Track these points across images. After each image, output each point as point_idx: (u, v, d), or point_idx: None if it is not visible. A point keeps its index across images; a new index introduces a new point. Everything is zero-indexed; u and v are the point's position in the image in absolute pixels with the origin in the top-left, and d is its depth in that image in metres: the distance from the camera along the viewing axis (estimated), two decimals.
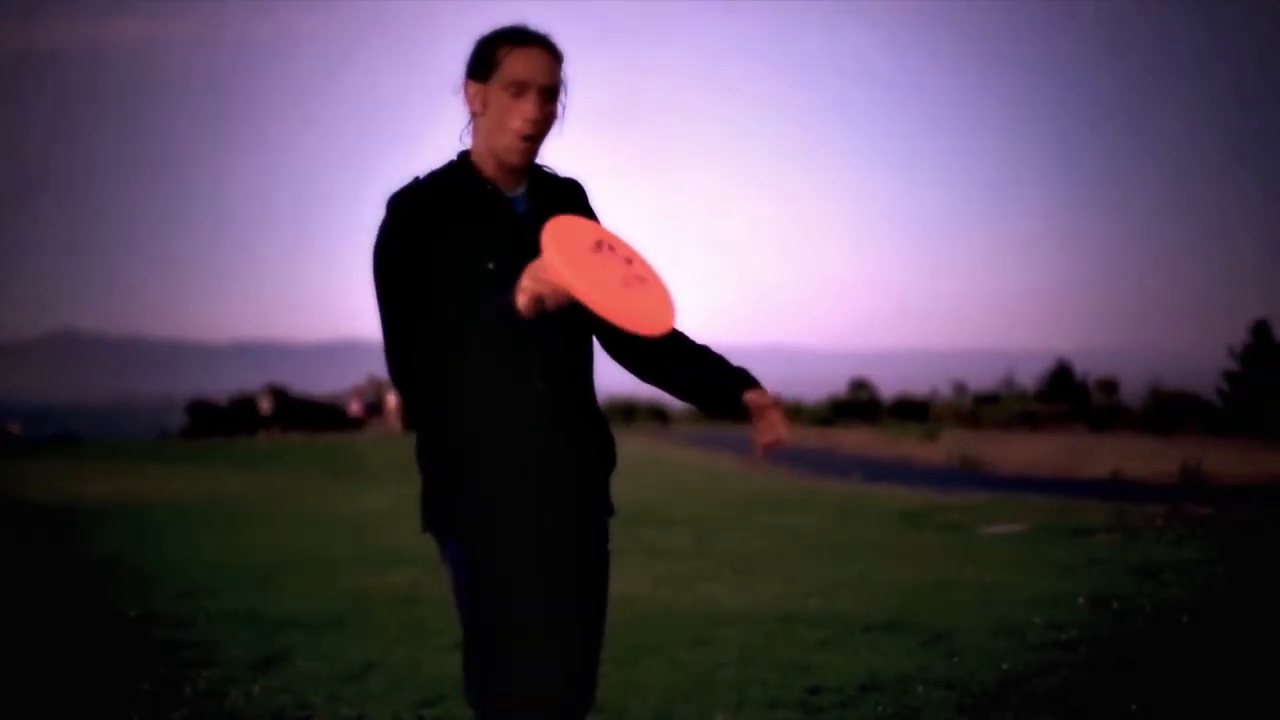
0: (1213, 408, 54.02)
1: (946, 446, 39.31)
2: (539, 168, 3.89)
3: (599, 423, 3.87)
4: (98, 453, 44.87)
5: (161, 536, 16.85)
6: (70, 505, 21.91)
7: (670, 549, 14.09)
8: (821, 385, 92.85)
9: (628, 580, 11.34)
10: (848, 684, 6.92)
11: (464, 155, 3.82)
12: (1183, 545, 12.43)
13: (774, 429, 3.84)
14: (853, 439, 49.56)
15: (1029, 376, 73.87)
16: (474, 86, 3.73)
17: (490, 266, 3.66)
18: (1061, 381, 69.54)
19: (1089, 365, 73.53)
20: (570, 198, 3.91)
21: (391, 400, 65.19)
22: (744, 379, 3.92)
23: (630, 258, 3.50)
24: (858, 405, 75.22)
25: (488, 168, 3.77)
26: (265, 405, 64.76)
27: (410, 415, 3.88)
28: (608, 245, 3.49)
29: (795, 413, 74.48)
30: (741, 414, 3.90)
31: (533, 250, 3.51)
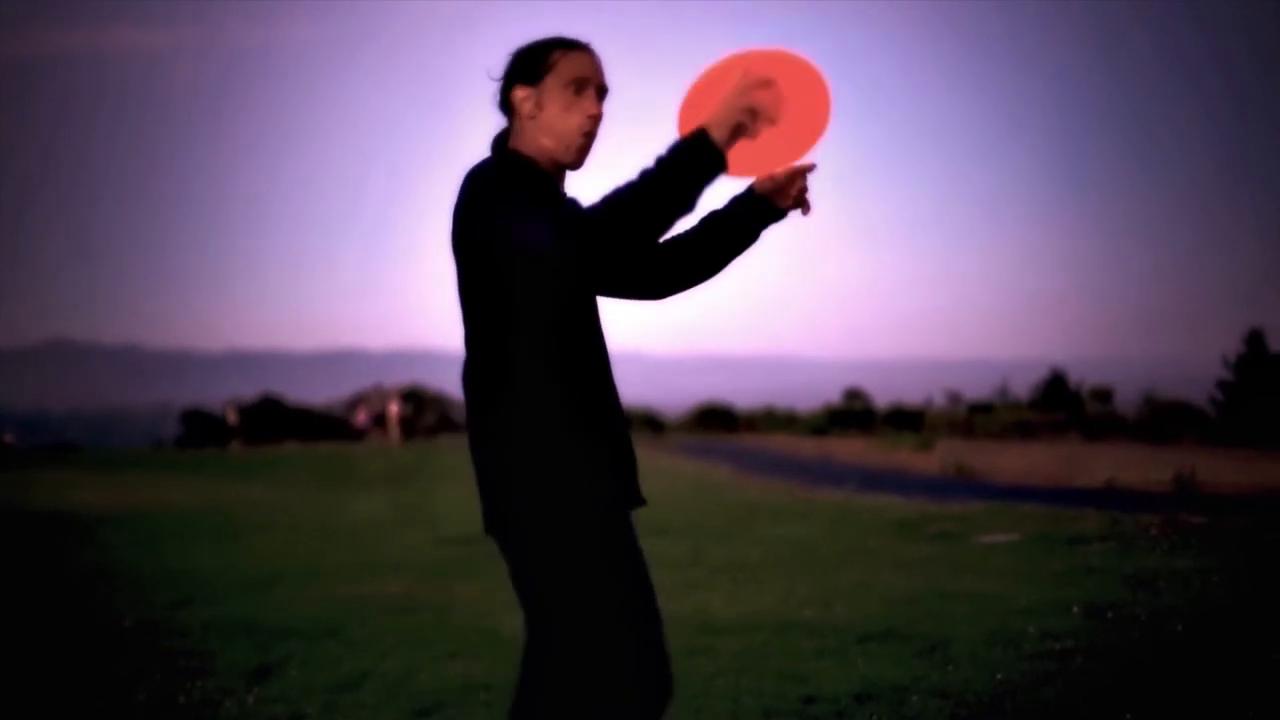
0: (1207, 417, 54.07)
1: (941, 456, 39.31)
2: None
3: None
4: (93, 461, 44.78)
5: (156, 545, 16.85)
6: (65, 513, 21.89)
7: (666, 558, 14.07)
8: (816, 395, 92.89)
9: None
10: (843, 693, 6.92)
11: (512, 156, 3.82)
12: (1177, 554, 12.43)
13: (803, 183, 3.97)
14: (848, 448, 49.55)
15: (1023, 386, 73.92)
16: (524, 90, 3.79)
17: None
18: (1055, 391, 69.57)
19: (1083, 374, 73.44)
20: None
21: (394, 410, 65.08)
22: (739, 197, 4.03)
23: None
24: (852, 415, 75.22)
25: (545, 165, 3.81)
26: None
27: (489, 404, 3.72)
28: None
29: (790, 422, 74.49)
30: (771, 211, 3.99)
31: None
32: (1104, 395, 68.13)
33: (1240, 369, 54.39)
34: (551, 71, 3.76)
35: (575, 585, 3.71)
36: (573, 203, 3.83)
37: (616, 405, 3.87)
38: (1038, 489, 26.00)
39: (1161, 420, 54.13)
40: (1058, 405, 66.85)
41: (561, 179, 3.86)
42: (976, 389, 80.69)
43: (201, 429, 65.35)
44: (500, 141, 3.91)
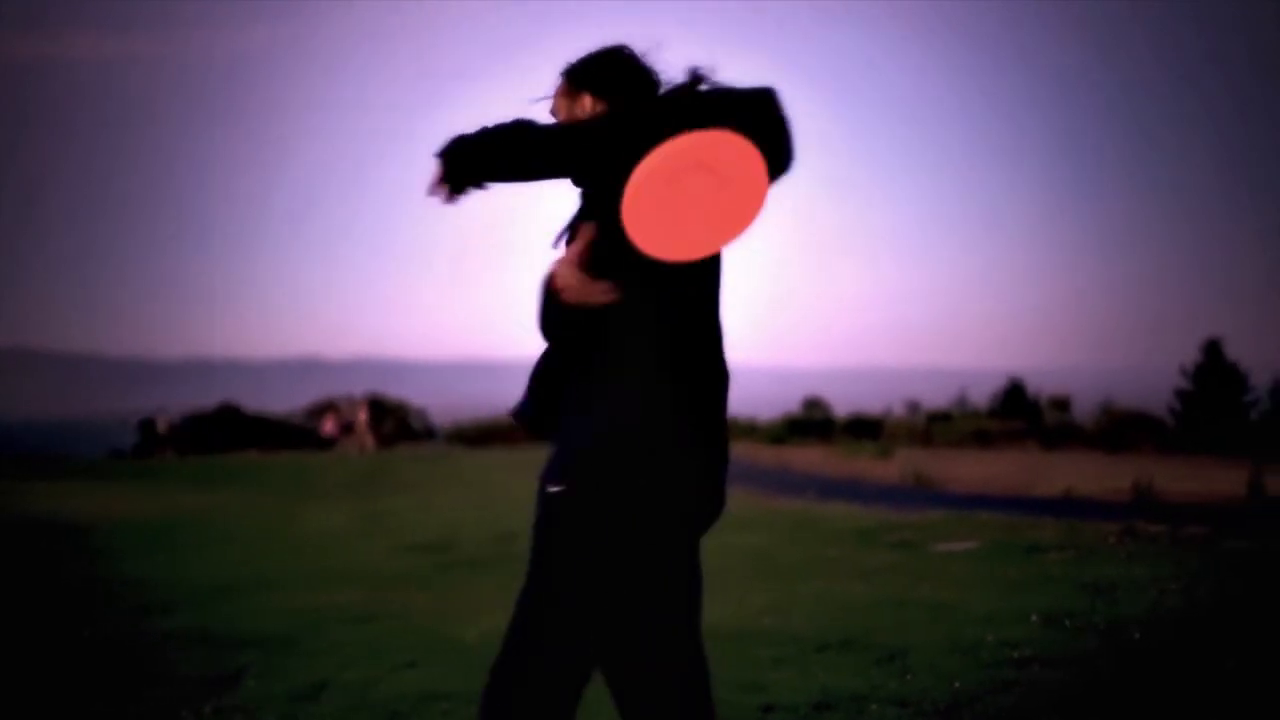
0: (1165, 426, 54.32)
1: (900, 464, 39.39)
2: None
3: None
4: (49, 470, 44.56)
5: (113, 555, 16.75)
6: (20, 523, 21.76)
7: None
8: (775, 404, 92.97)
9: None
10: (802, 702, 6.93)
11: None
12: (1135, 562, 12.48)
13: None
14: (806, 457, 49.61)
15: (981, 395, 74.19)
16: (599, 103, 3.86)
17: None
18: (1014, 400, 69.85)
19: (1041, 383, 73.75)
20: None
21: (363, 418, 64.92)
22: None
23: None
24: (811, 423, 75.30)
25: None
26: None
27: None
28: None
29: (749, 431, 74.53)
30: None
31: None
32: (1062, 404, 68.41)
33: (1198, 378, 54.70)
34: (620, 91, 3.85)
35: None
36: None
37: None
38: (996, 497, 26.11)
39: (1120, 429, 54.35)
40: (1016, 414, 67.10)
41: None
42: (935, 398, 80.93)
43: (159, 438, 65.10)
44: None
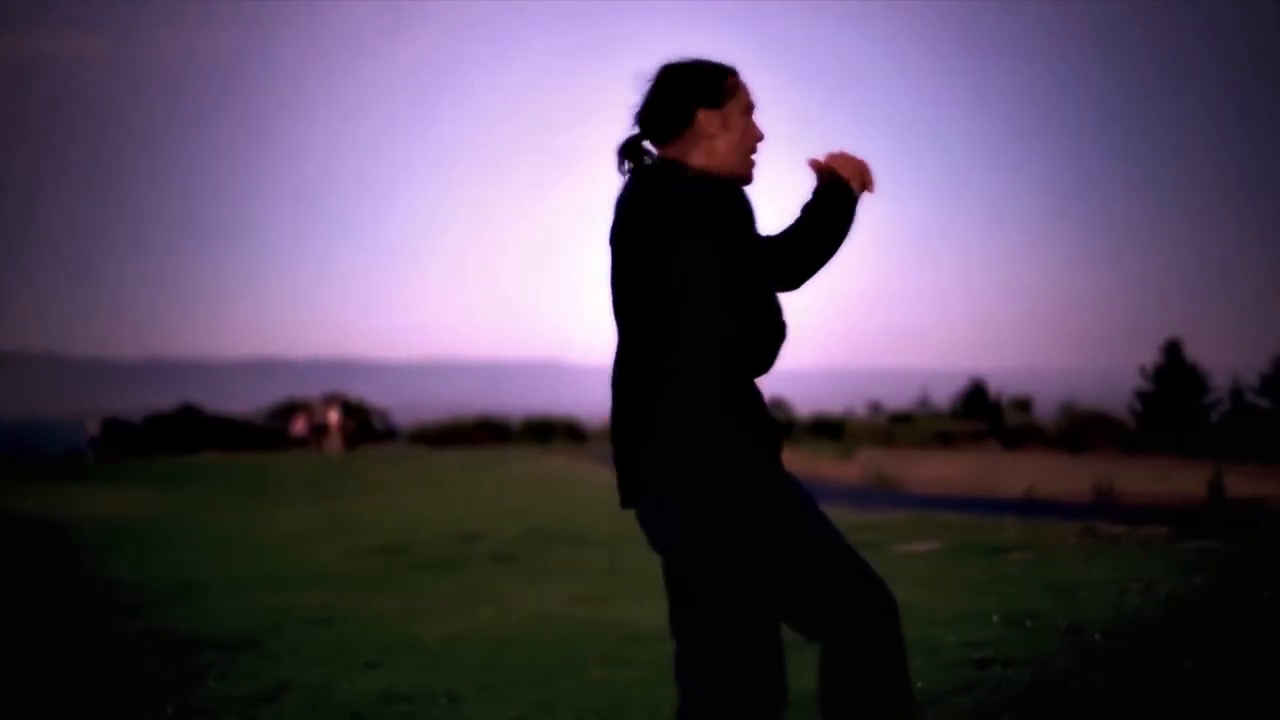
0: (1125, 426, 54.55)
1: (862, 465, 39.47)
2: None
3: None
4: (9, 471, 44.36)
5: (75, 556, 16.70)
6: None
7: (585, 568, 14.07)
8: None
9: (544, 599, 11.36)
10: None
11: (707, 174, 4.07)
12: (1096, 563, 12.52)
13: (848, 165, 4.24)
14: None
15: (943, 396, 74.39)
16: (708, 113, 4.13)
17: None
18: (976, 400, 70.06)
19: (1002, 384, 73.99)
20: None
21: (334, 419, 64.63)
22: (813, 197, 4.22)
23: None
24: None
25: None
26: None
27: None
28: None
29: None
30: (836, 193, 4.16)
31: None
32: (1023, 405, 68.67)
33: (1159, 379, 54.96)
34: (732, 96, 4.14)
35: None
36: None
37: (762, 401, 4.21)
38: (958, 498, 26.16)
39: (1081, 430, 54.56)
40: (978, 415, 67.29)
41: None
42: (897, 399, 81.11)
43: (120, 439, 64.79)
44: (669, 160, 4.15)
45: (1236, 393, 55.00)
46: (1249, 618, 8.68)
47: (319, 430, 65.17)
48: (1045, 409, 65.41)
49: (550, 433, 77.98)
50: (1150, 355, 55.86)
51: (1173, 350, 55.30)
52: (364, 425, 72.44)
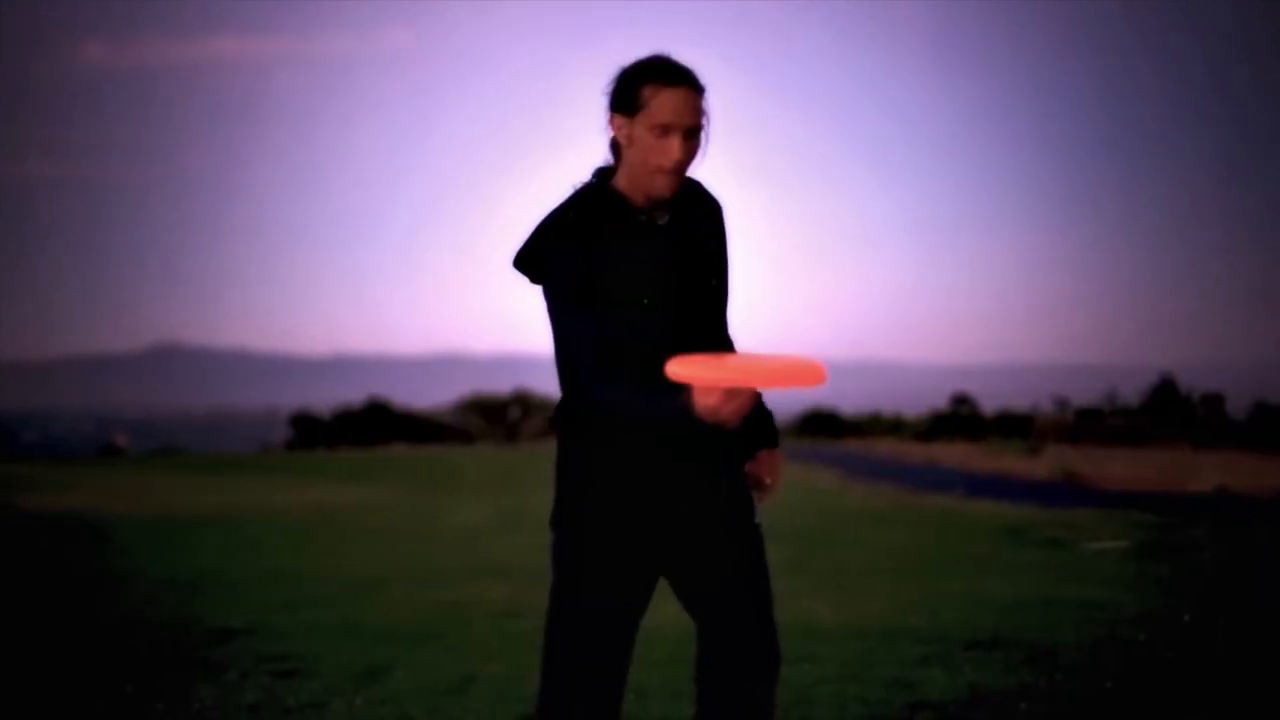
0: None
1: (1048, 461, 39.02)
2: (687, 182, 4.01)
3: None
4: (201, 465, 45.28)
5: (263, 548, 16.98)
6: (173, 517, 22.12)
7: (770, 564, 14.04)
8: (922, 400, 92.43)
9: None
10: (950, 701, 6.88)
11: (606, 179, 3.94)
12: None
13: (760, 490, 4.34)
14: (953, 453, 49.28)
15: (1131, 391, 73.21)
16: (619, 120, 3.87)
17: (645, 302, 3.83)
18: (1165, 396, 68.92)
19: (1194, 380, 72.67)
20: (709, 220, 4.06)
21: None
22: (760, 435, 4.23)
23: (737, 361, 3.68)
24: (959, 419, 74.83)
25: (637, 197, 3.90)
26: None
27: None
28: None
29: (896, 427, 74.15)
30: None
31: (679, 279, 3.91)
32: (1215, 401, 67.43)
33: None
34: (643, 109, 3.79)
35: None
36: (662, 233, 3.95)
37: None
38: (1148, 494, 25.77)
39: (1274, 426, 53.46)
40: (1167, 411, 66.20)
41: (663, 205, 3.94)
42: (1084, 394, 79.99)
43: (327, 430, 65.92)
44: (607, 167, 4.00)
45: None
46: None
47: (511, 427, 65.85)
48: (1237, 405, 64.18)
49: None
50: None
51: None
52: (549, 421, 73.00)
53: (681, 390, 3.58)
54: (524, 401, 73.85)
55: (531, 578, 12.94)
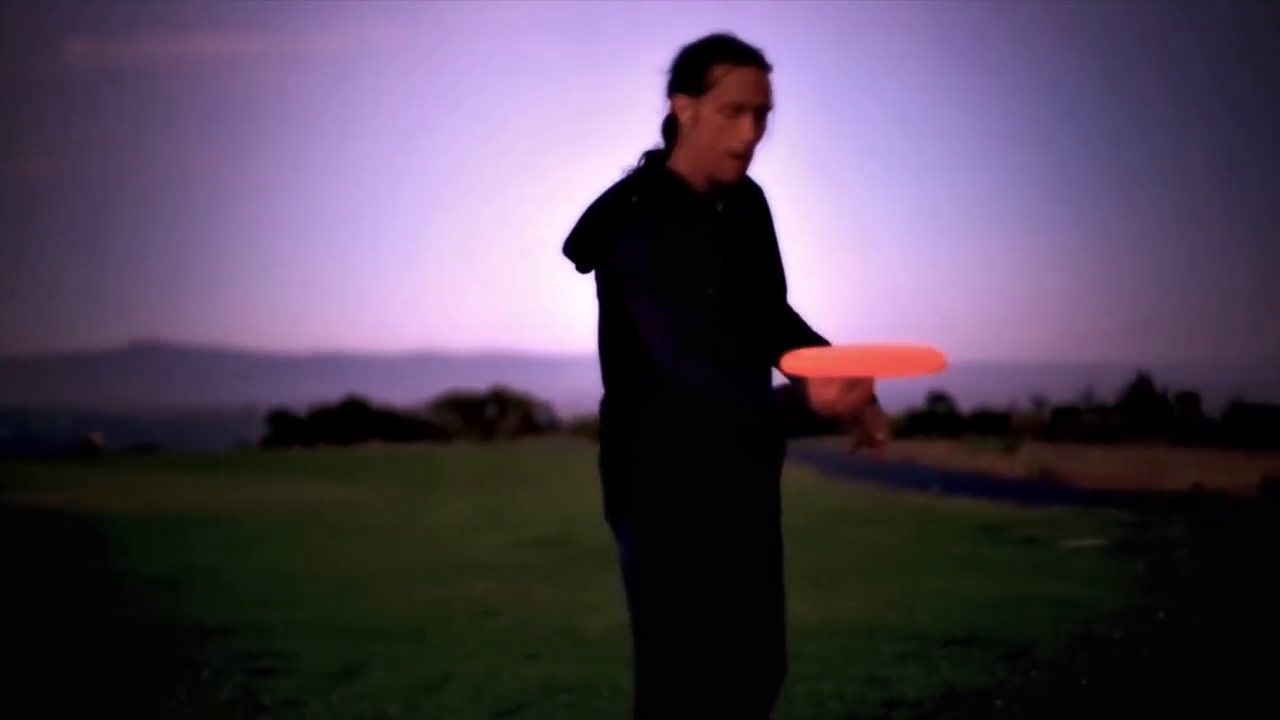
0: None
1: (1026, 459, 39.14)
2: None
3: None
4: (178, 462, 45.21)
5: (241, 547, 16.96)
6: (151, 515, 22.08)
7: None
8: (899, 397, 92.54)
9: None
10: (926, 698, 6.90)
11: (661, 162, 3.81)
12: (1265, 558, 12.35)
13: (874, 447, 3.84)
14: (931, 452, 49.38)
15: (1108, 389, 73.40)
16: (684, 99, 3.72)
17: (709, 291, 3.68)
18: (1141, 394, 69.11)
19: (1169, 379, 72.87)
20: (757, 206, 3.94)
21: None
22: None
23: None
24: (936, 417, 74.98)
25: (698, 181, 3.76)
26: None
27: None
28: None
29: None
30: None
31: (743, 267, 3.77)
32: (1191, 399, 67.62)
33: None
34: (712, 88, 3.65)
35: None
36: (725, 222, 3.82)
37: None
38: (1123, 492, 25.85)
39: (1249, 424, 53.65)
40: (1144, 409, 66.39)
41: (721, 191, 3.81)
42: (1061, 392, 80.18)
43: (303, 428, 65.91)
44: (658, 150, 3.86)
45: None
46: None
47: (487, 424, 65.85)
48: (1212, 403, 64.40)
49: None
50: None
51: None
52: (525, 419, 72.93)
53: (770, 383, 3.60)
54: (501, 399, 73.86)
55: (510, 576, 12.96)
